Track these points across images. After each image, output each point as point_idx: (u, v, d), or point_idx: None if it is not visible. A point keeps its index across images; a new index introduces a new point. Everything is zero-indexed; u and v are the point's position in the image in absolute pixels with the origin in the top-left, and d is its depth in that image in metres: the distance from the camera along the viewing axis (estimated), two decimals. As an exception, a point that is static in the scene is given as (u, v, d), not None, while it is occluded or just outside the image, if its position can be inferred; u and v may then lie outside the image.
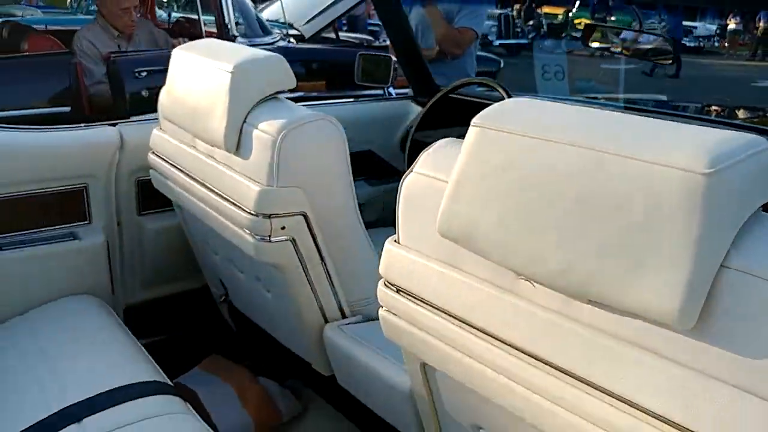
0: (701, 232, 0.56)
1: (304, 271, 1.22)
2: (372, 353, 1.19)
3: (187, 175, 1.35)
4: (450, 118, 2.01)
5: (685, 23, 14.00)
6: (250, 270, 1.39)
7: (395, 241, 0.90)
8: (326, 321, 1.29)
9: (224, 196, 1.22)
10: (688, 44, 13.30)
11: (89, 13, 6.34)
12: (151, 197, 1.66)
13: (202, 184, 1.29)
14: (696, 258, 0.56)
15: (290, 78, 1.21)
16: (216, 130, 1.19)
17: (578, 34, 14.58)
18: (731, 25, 12.27)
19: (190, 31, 3.40)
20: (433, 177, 0.84)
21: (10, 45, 3.03)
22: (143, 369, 1.25)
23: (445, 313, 0.82)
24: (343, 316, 1.31)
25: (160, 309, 1.74)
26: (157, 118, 1.60)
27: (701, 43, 13.18)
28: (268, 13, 3.91)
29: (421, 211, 0.86)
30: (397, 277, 0.88)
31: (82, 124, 1.60)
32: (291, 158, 1.12)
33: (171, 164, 1.42)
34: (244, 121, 1.17)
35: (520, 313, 0.73)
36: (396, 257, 0.88)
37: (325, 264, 1.23)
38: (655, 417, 0.62)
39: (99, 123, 1.61)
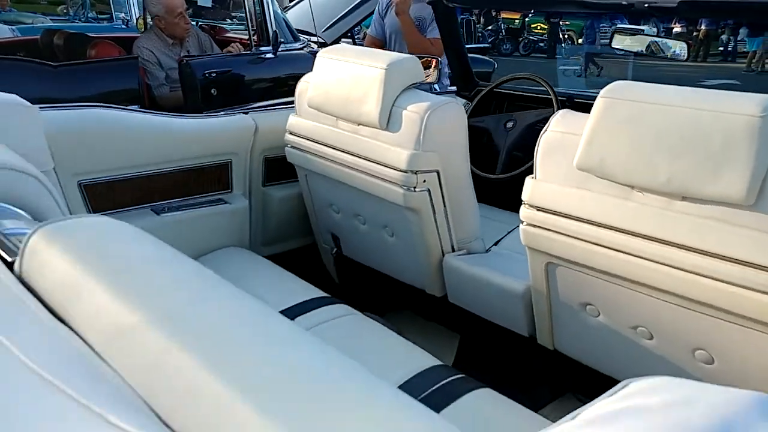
0: (757, 149, 1.03)
1: (434, 214, 1.66)
2: (487, 270, 1.64)
3: (331, 147, 1.77)
4: (489, 106, 2.49)
5: (631, 27, 14.89)
6: (377, 221, 1.82)
7: (533, 178, 1.36)
8: (443, 254, 1.73)
9: (374, 160, 1.65)
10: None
11: (88, 20, 6.59)
12: (273, 172, 2.07)
13: (350, 154, 1.72)
14: (754, 164, 1.03)
15: (421, 73, 1.65)
16: (370, 113, 1.62)
17: (535, 37, 15.44)
18: (676, 29, 13.17)
19: (225, 37, 3.78)
20: (565, 132, 1.30)
21: (75, 51, 3.35)
22: (312, 288, 1.67)
23: (577, 218, 1.28)
24: (453, 251, 1.75)
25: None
26: (280, 108, 2.03)
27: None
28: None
29: (556, 155, 1.31)
30: (538, 199, 1.34)
31: (222, 111, 2.00)
32: (432, 130, 1.56)
33: (311, 140, 1.84)
34: (393, 105, 1.60)
35: (634, 211, 1.20)
36: (537, 187, 1.34)
37: (446, 209, 1.68)
38: (730, 260, 1.09)
39: (234, 111, 2.01)
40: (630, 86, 1.22)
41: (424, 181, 1.60)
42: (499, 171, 2.22)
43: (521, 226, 1.39)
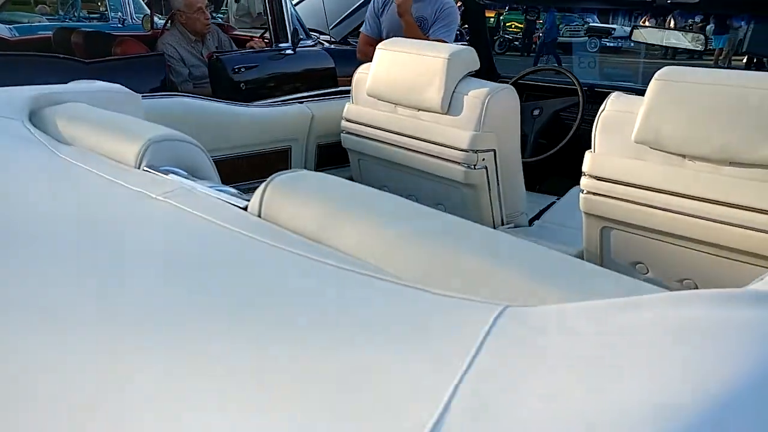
0: (796, 119, 1.24)
1: (488, 190, 1.84)
2: (539, 240, 1.83)
3: (389, 132, 1.94)
4: None
5: (603, 25, 15.38)
6: (431, 199, 1.99)
7: (592, 152, 1.55)
8: (494, 228, 1.92)
9: (435, 141, 1.83)
10: (608, 44, 14.59)
11: (80, 20, 6.62)
12: (325, 157, 2.24)
13: (409, 137, 1.89)
14: None
15: (477, 62, 1.83)
16: (432, 98, 1.79)
17: (510, 36, 15.79)
18: (646, 26, 13.60)
19: (234, 35, 3.92)
20: (620, 111, 1.50)
21: (97, 49, 3.44)
22: None
23: (634, 185, 1.47)
24: (502, 224, 1.94)
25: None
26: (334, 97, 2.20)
27: (620, 44, 14.55)
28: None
29: (613, 131, 1.50)
30: (598, 170, 1.53)
31: (278, 100, 2.16)
32: (492, 112, 1.75)
33: (368, 126, 2.00)
34: (454, 91, 1.78)
35: (686, 176, 1.39)
36: (596, 159, 1.53)
37: (499, 186, 1.86)
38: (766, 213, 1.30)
39: (291, 102, 2.17)
40: (681, 70, 1.42)
41: (483, 159, 1.78)
42: (528, 155, 2.41)
43: (581, 194, 1.58)
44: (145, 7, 6.53)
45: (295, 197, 0.82)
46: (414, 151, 1.89)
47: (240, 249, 0.76)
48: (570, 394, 0.41)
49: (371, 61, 2.85)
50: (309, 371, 0.51)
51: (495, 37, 15.78)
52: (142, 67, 3.17)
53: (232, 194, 0.95)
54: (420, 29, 2.95)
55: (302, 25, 3.90)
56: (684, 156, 1.40)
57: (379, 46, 1.96)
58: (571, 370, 0.44)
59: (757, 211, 1.32)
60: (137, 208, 0.89)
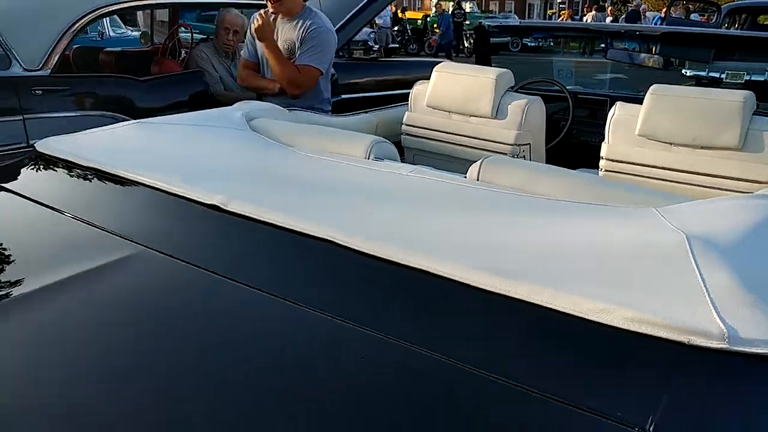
0: (742, 118, 1.98)
1: (525, 175, 2.52)
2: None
3: (445, 132, 2.58)
4: None
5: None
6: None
7: (606, 143, 2.25)
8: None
9: (486, 139, 2.49)
10: (529, 44, 15.71)
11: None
12: None
13: (463, 136, 2.54)
14: (741, 125, 1.99)
15: (513, 80, 2.51)
16: (484, 107, 2.45)
17: (437, 37, 16.68)
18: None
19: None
20: (626, 114, 2.21)
21: (142, 67, 3.86)
22: None
23: (638, 164, 2.19)
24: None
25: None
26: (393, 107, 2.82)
27: (540, 43, 15.76)
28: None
29: (621, 127, 2.21)
30: (612, 154, 2.23)
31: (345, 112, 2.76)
32: (529, 116, 2.42)
33: (425, 128, 2.64)
34: (500, 101, 2.45)
35: (673, 156, 2.12)
36: (610, 147, 2.23)
37: (530, 171, 2.55)
38: (729, 178, 2.04)
39: (358, 114, 2.78)
40: (668, 87, 2.15)
41: (523, 151, 2.46)
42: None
43: (600, 172, 2.28)
44: (120, 22, 6.85)
45: (504, 167, 1.45)
46: (466, 146, 2.55)
47: (483, 196, 1.36)
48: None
49: (251, 86, 3.08)
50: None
51: (424, 39, 16.68)
52: (186, 82, 3.64)
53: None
54: (289, 52, 2.83)
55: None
56: (671, 143, 2.13)
57: (436, 68, 2.60)
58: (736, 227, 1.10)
59: (719, 177, 2.06)
60: (399, 181, 1.47)
